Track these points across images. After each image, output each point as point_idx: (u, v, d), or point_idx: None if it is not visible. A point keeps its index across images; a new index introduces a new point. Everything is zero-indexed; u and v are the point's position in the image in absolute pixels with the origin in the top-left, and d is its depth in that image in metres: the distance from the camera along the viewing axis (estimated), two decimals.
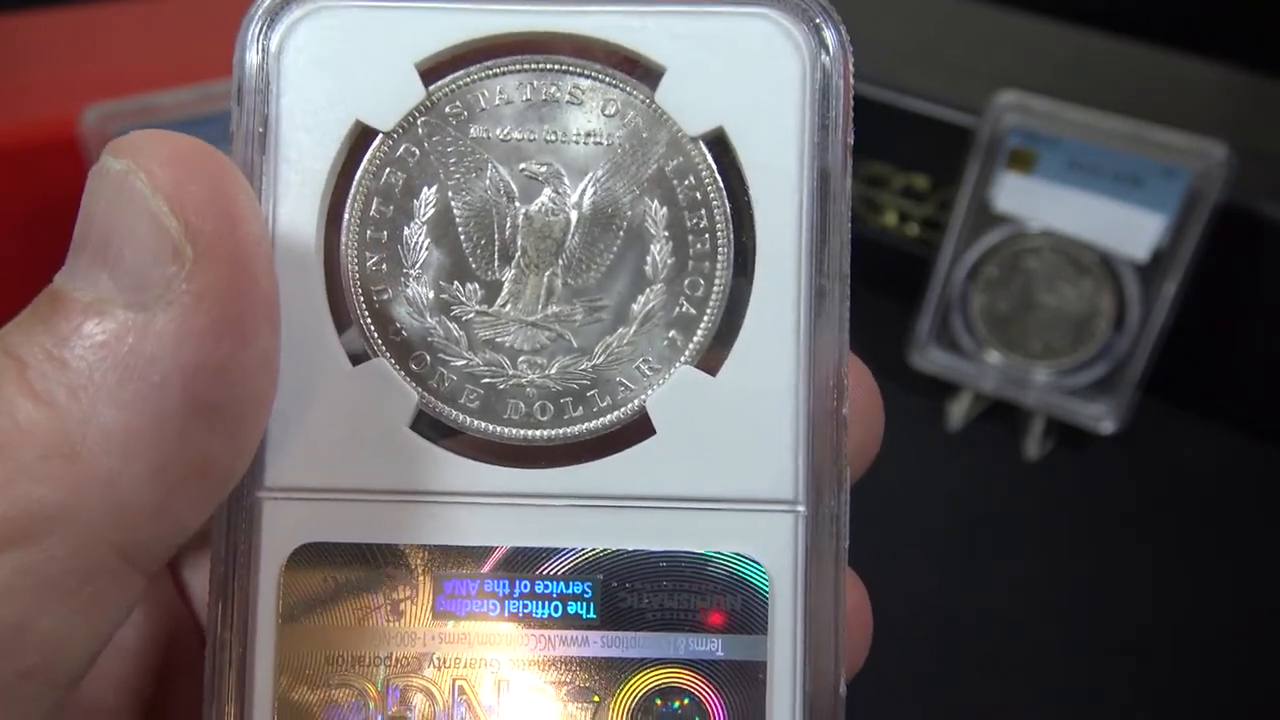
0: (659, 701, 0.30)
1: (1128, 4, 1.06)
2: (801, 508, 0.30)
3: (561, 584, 0.30)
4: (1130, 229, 0.84)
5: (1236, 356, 0.90)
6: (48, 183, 0.86)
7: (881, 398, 0.33)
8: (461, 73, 0.30)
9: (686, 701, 0.30)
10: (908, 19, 1.10)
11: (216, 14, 1.05)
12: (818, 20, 0.30)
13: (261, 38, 0.29)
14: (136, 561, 0.25)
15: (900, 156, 0.97)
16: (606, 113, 0.30)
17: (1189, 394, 0.91)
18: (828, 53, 0.30)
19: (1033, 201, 0.87)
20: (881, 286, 0.91)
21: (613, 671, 0.30)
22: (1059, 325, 0.87)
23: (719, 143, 0.30)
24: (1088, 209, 0.85)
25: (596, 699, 0.30)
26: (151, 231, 0.24)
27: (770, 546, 0.30)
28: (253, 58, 0.29)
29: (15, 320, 0.24)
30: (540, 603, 0.30)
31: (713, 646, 0.30)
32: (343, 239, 0.30)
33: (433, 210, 0.30)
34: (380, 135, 0.30)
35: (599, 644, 0.30)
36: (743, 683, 0.30)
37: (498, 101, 0.30)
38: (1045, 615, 0.77)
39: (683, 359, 0.30)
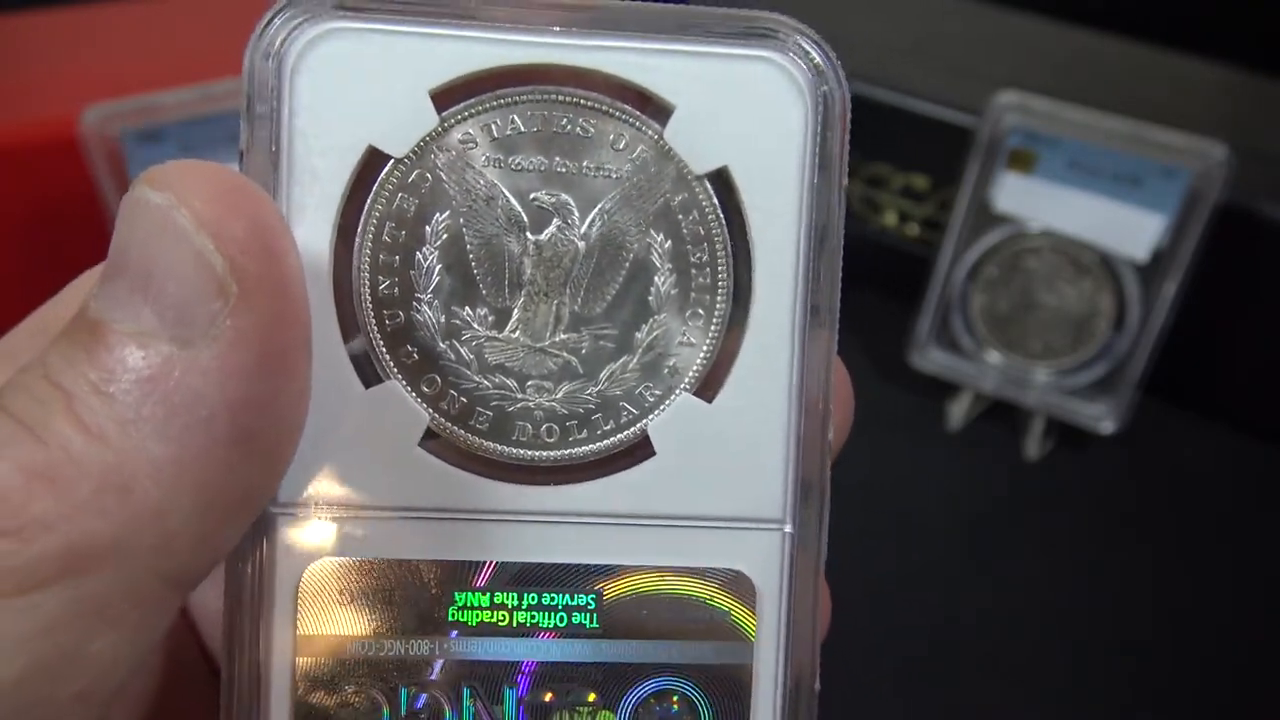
0: (654, 701, 0.31)
1: (1128, 4, 1.06)
2: (788, 527, 0.31)
3: (566, 596, 0.31)
4: (1130, 229, 0.84)
5: (1236, 356, 0.90)
6: (48, 183, 0.86)
7: (851, 381, 0.34)
8: (475, 100, 0.30)
9: (677, 699, 0.31)
10: (908, 19, 1.10)
11: (216, 14, 1.05)
12: (819, 62, 0.30)
13: (273, 57, 0.29)
14: (179, 586, 0.25)
15: (900, 156, 0.97)
16: (616, 147, 0.30)
17: (1189, 394, 0.92)
18: (827, 95, 0.30)
19: (1033, 201, 0.87)
20: (881, 286, 0.91)
21: (612, 675, 0.31)
22: (1059, 325, 0.87)
23: (722, 181, 0.31)
24: (1088, 209, 0.85)
25: (598, 701, 0.31)
26: (196, 267, 0.24)
27: (759, 562, 0.31)
28: (265, 76, 0.29)
29: (54, 344, 0.25)
30: (546, 613, 0.31)
31: (704, 653, 0.31)
32: (354, 263, 0.30)
33: (444, 236, 0.30)
34: (392, 160, 0.30)
35: (601, 651, 0.31)
36: (730, 684, 0.31)
37: (510, 131, 0.30)
38: (1045, 615, 0.78)
39: (683, 386, 0.31)
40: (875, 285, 0.91)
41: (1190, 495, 0.87)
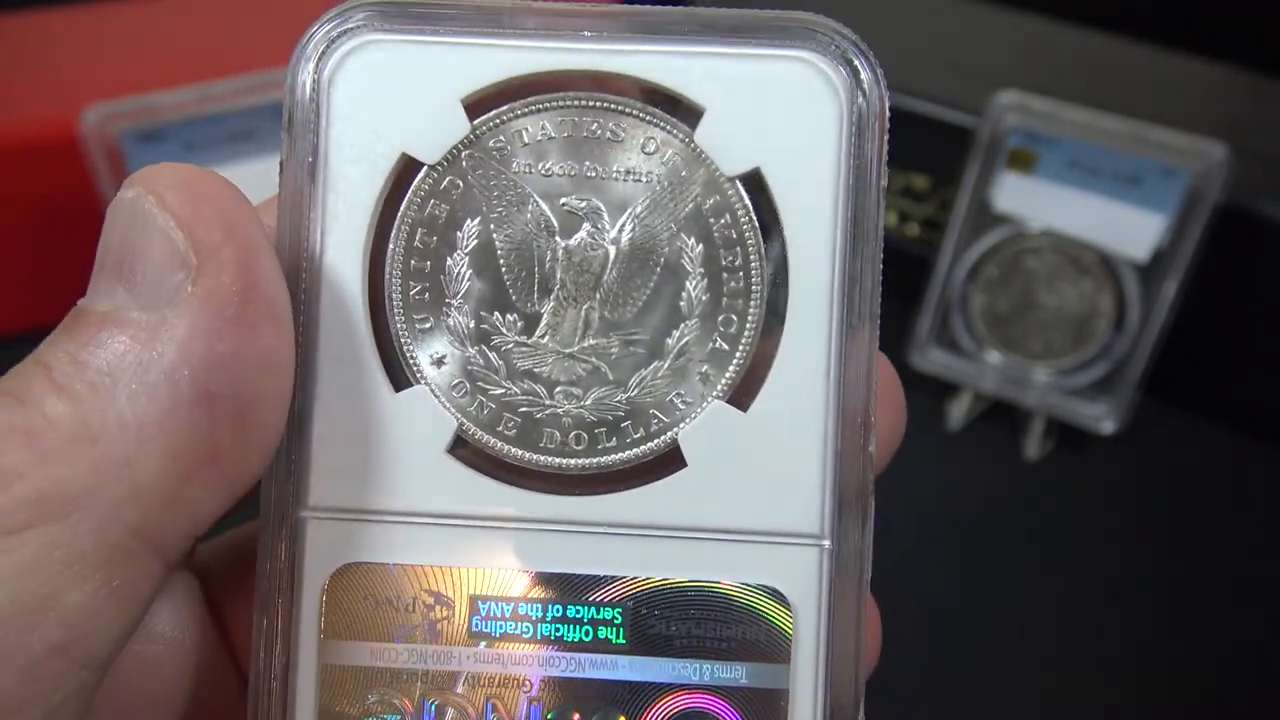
0: None
1: (1128, 4, 1.06)
2: (827, 542, 0.31)
3: (592, 609, 0.31)
4: (1130, 229, 0.84)
5: (1236, 356, 0.90)
6: (48, 183, 0.86)
7: (902, 387, 0.33)
8: (506, 108, 0.30)
9: None
10: (908, 19, 1.10)
11: (216, 14, 1.05)
12: (856, 63, 0.30)
13: (314, 70, 0.30)
14: (156, 546, 0.26)
15: (900, 156, 0.97)
16: (646, 150, 0.30)
17: (1189, 394, 0.92)
18: (864, 95, 0.30)
19: (1033, 201, 0.87)
20: (882, 286, 0.91)
21: (640, 694, 0.31)
22: (1059, 325, 0.87)
23: (755, 183, 0.31)
24: (1088, 209, 0.85)
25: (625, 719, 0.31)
26: (162, 245, 0.26)
27: (795, 579, 0.31)
28: (304, 88, 0.30)
29: (47, 339, 0.27)
30: (571, 626, 0.31)
31: (737, 674, 0.31)
32: (386, 268, 0.30)
33: (475, 242, 0.30)
34: (425, 168, 0.30)
35: (627, 668, 0.31)
36: (765, 709, 0.31)
37: (540, 137, 0.30)
38: (1045, 615, 0.78)
39: (715, 393, 0.31)
40: None
41: (1190, 495, 0.87)
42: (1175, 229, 0.83)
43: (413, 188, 0.30)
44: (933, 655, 0.74)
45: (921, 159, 0.96)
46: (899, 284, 0.90)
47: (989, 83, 0.89)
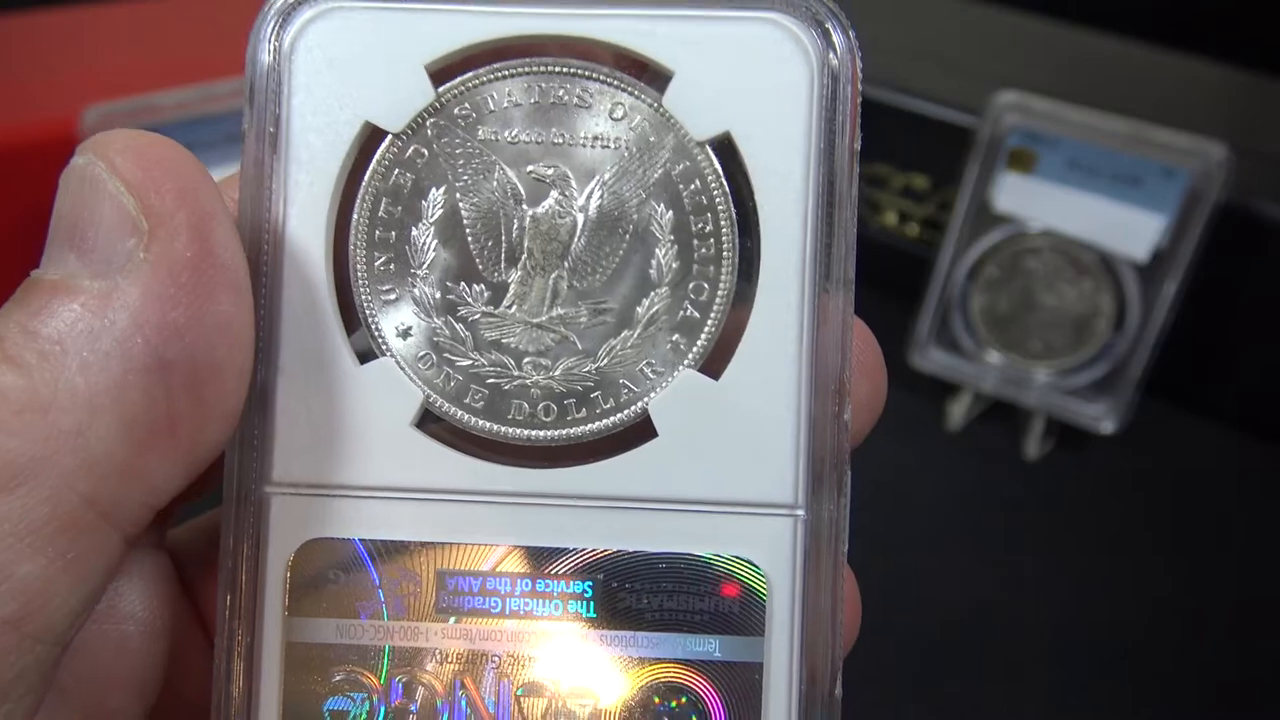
0: (657, 699, 0.30)
1: (1128, 4, 1.06)
2: (801, 512, 0.30)
3: (562, 583, 0.30)
4: (1130, 229, 0.84)
5: (1236, 356, 0.90)
6: (48, 183, 0.86)
7: (881, 354, 0.33)
8: (471, 75, 0.30)
9: (684, 700, 0.30)
10: (908, 19, 1.10)
11: (217, 14, 1.05)
12: (826, 24, 0.30)
13: (273, 38, 0.30)
14: (112, 518, 0.26)
15: (900, 156, 0.97)
16: (614, 116, 0.30)
17: (1189, 394, 0.91)
18: (836, 57, 0.30)
19: (1033, 201, 0.87)
20: (881, 286, 0.91)
21: (612, 669, 0.30)
22: (1059, 325, 0.87)
23: (725, 148, 0.30)
24: (1088, 209, 0.85)
25: (595, 696, 0.30)
26: (113, 211, 0.26)
27: (769, 550, 0.30)
28: (264, 57, 0.30)
29: None
30: (541, 601, 0.30)
31: (710, 647, 0.30)
32: (351, 238, 0.30)
33: (440, 211, 0.30)
34: (389, 136, 0.30)
35: (598, 642, 0.30)
36: (739, 683, 0.30)
37: (506, 104, 0.30)
38: (1045, 615, 0.77)
39: (686, 362, 0.30)
40: (875, 285, 0.91)
41: (1190, 495, 0.86)
42: (1175, 229, 0.82)
43: (377, 157, 0.30)
44: (933, 654, 0.74)
45: (921, 159, 0.96)
46: (899, 284, 0.91)
47: (989, 83, 0.89)
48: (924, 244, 0.96)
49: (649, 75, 0.30)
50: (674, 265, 0.30)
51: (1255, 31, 1.02)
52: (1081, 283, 0.86)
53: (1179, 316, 0.83)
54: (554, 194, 0.30)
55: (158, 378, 0.26)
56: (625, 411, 0.30)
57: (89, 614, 0.27)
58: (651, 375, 0.30)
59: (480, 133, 0.30)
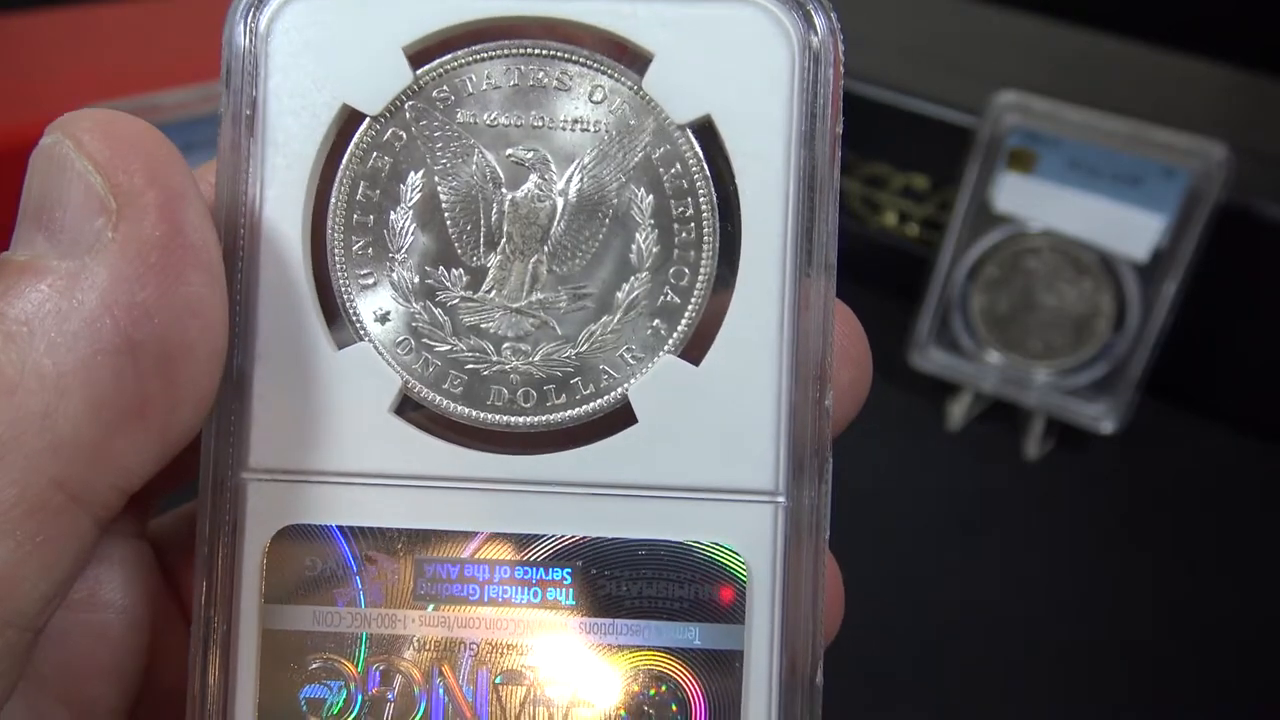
0: (636, 687, 0.30)
1: (1128, 4, 1.06)
2: (782, 499, 0.30)
3: (541, 570, 0.30)
4: (1130, 229, 0.84)
5: (1236, 356, 0.90)
6: None
7: (866, 340, 0.32)
8: (449, 57, 0.30)
9: (664, 688, 0.30)
10: (908, 19, 1.10)
11: (217, 14, 1.04)
12: (808, 6, 0.29)
13: (249, 20, 0.29)
14: (82, 501, 0.26)
15: (900, 156, 0.97)
16: (594, 99, 0.30)
17: (1189, 394, 0.91)
18: (817, 39, 0.29)
19: (1033, 201, 0.87)
20: (881, 286, 0.91)
21: (591, 657, 0.30)
22: (1059, 325, 0.87)
23: (706, 131, 0.30)
24: (1088, 209, 0.85)
25: (574, 684, 0.30)
26: (80, 190, 0.26)
27: (749, 537, 0.30)
28: (240, 40, 0.29)
29: None
30: (519, 588, 0.30)
31: (690, 635, 0.30)
32: (329, 223, 0.30)
33: (419, 195, 0.30)
34: (367, 119, 0.30)
35: (577, 630, 0.30)
36: (719, 671, 0.30)
37: (485, 86, 0.30)
38: (1044, 615, 0.77)
39: (666, 348, 0.30)
40: (875, 285, 0.91)
41: (1190, 495, 0.86)
42: (1175, 229, 0.82)
43: (355, 140, 0.30)
44: (932, 654, 0.74)
45: (921, 159, 0.96)
46: (899, 284, 0.90)
47: (989, 83, 0.89)
48: (924, 244, 0.96)
49: (629, 58, 0.30)
50: (654, 250, 0.30)
51: (1255, 31, 1.02)
52: (1081, 283, 0.86)
53: (1179, 316, 0.83)
54: (533, 177, 0.30)
55: (127, 359, 0.26)
56: (605, 397, 0.30)
57: (61, 599, 0.26)
58: (631, 361, 0.30)
59: (459, 115, 0.30)
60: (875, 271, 0.93)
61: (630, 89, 0.30)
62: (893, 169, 0.97)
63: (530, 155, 0.30)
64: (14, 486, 0.24)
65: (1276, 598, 0.78)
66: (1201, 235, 0.81)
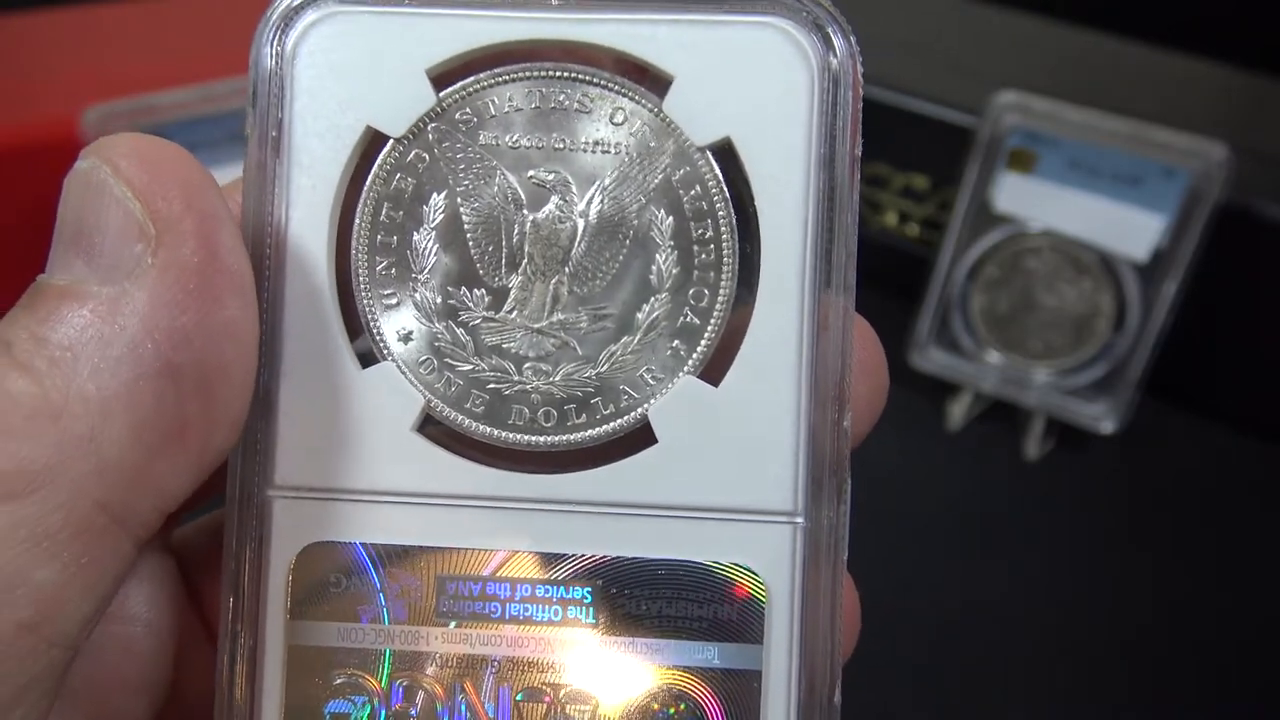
0: (655, 705, 0.30)
1: (1128, 4, 1.06)
2: (800, 519, 0.30)
3: (561, 589, 0.30)
4: (1130, 229, 0.84)
5: (1236, 356, 0.90)
6: (48, 183, 0.86)
7: (883, 351, 0.33)
8: (472, 79, 0.30)
9: (683, 706, 0.30)
10: (908, 19, 1.10)
11: (217, 14, 1.05)
12: (827, 29, 0.30)
13: (276, 42, 0.30)
14: (124, 523, 0.26)
15: (900, 156, 0.97)
16: (614, 121, 0.30)
17: (1189, 394, 0.91)
18: (836, 61, 0.30)
19: (1033, 201, 0.87)
20: (881, 286, 0.91)
21: (611, 675, 0.30)
22: (1059, 325, 0.87)
23: (726, 153, 0.30)
24: (1088, 209, 0.85)
25: (594, 701, 0.30)
26: (119, 216, 0.26)
27: (768, 557, 0.30)
28: (267, 62, 0.30)
29: (5, 316, 0.27)
30: (540, 606, 0.30)
31: (709, 654, 0.30)
32: (353, 243, 0.30)
33: (442, 216, 0.30)
34: (391, 141, 0.30)
35: (598, 648, 0.30)
36: (738, 690, 0.30)
37: (507, 109, 0.30)
38: (1044, 615, 0.77)
39: (686, 369, 0.30)
40: (875, 285, 0.91)
41: (1190, 495, 0.86)
42: (1175, 229, 0.82)
43: (379, 161, 0.30)
44: (933, 655, 0.74)
45: (921, 159, 0.96)
46: (899, 284, 0.91)
47: (989, 83, 0.89)
48: (924, 244, 0.96)
49: (649, 80, 0.30)
50: (674, 271, 0.30)
51: (1255, 31, 1.02)
52: (1081, 283, 0.86)
53: (1179, 316, 0.83)
54: (554, 199, 0.30)
55: (168, 382, 0.26)
56: (625, 417, 0.30)
57: (99, 617, 0.27)
58: (651, 381, 0.30)
59: (481, 137, 0.30)
60: (875, 271, 0.93)
61: (650, 111, 0.30)
62: (893, 169, 0.98)
63: (551, 177, 0.30)
64: (61, 510, 0.25)
65: (1276, 598, 0.78)
66: (1201, 235, 0.81)
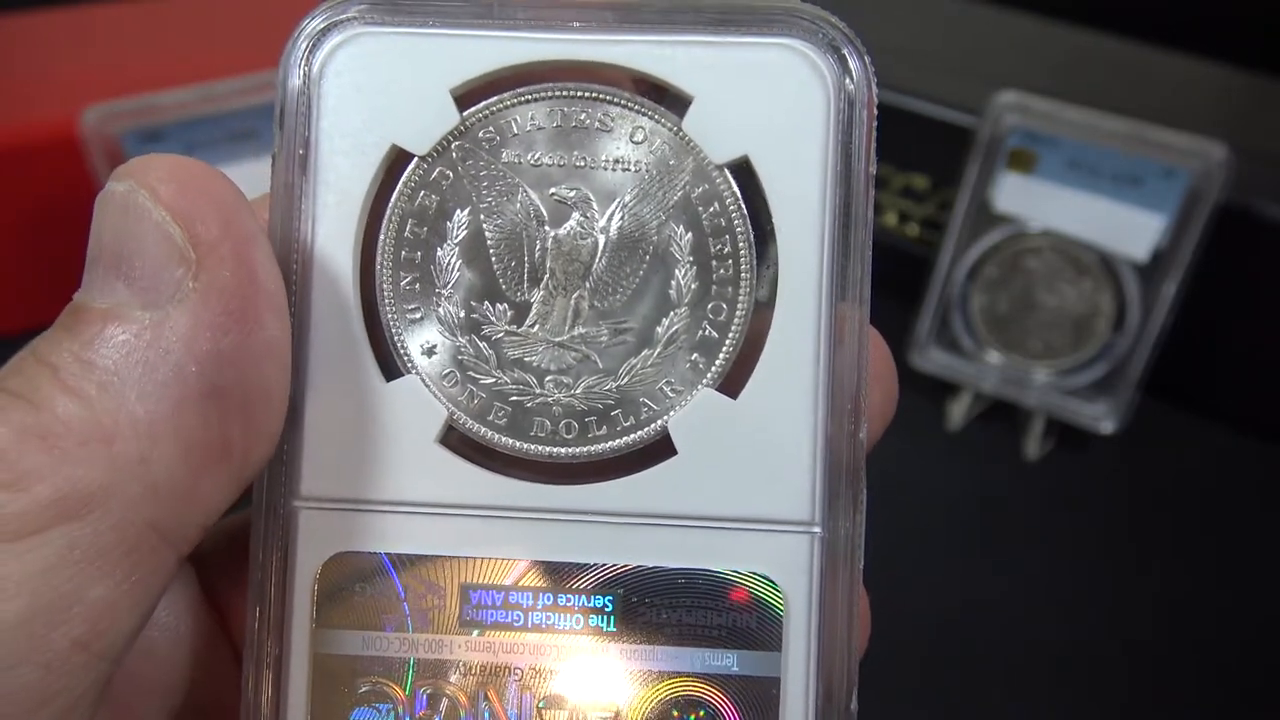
0: (676, 713, 0.31)
1: (1128, 4, 1.06)
2: (818, 529, 0.31)
3: (583, 597, 0.31)
4: (1130, 229, 0.84)
5: (1236, 356, 0.90)
6: (48, 183, 0.86)
7: (893, 359, 0.33)
8: (495, 99, 0.31)
9: (702, 713, 0.31)
10: (908, 19, 1.10)
11: (217, 14, 1.05)
12: (843, 50, 0.30)
13: (303, 62, 0.30)
14: (171, 540, 0.27)
15: (900, 156, 0.97)
16: (635, 140, 0.30)
17: (1189, 394, 0.92)
18: (852, 82, 0.30)
19: (1033, 201, 0.87)
20: (881, 286, 0.91)
21: (631, 683, 0.31)
22: (1059, 325, 0.87)
23: (744, 171, 0.31)
24: (1088, 209, 0.85)
25: (615, 708, 0.31)
26: (159, 240, 0.27)
27: (786, 566, 0.31)
28: (295, 81, 0.30)
29: (43, 334, 0.27)
30: (562, 615, 0.31)
31: (728, 662, 0.31)
32: (378, 259, 0.31)
33: (465, 232, 0.31)
34: (415, 159, 0.31)
35: (618, 656, 0.31)
36: (757, 697, 0.30)
37: (529, 127, 0.31)
38: (1045, 615, 0.77)
39: (705, 381, 0.31)
40: (875, 285, 0.91)
41: (1190, 495, 0.87)
42: (1175, 229, 0.83)
43: (403, 179, 0.31)
44: (933, 655, 0.74)
45: (921, 159, 0.96)
46: (899, 284, 0.91)
47: (989, 83, 0.89)
48: (924, 244, 0.97)
49: (669, 100, 0.31)
50: (693, 286, 0.31)
51: (1255, 31, 1.02)
52: (1081, 283, 0.86)
53: (1179, 316, 0.83)
54: (576, 215, 0.31)
55: (212, 404, 0.27)
56: (645, 429, 0.31)
57: (141, 630, 0.27)
58: (671, 394, 0.31)
59: (504, 155, 0.31)
60: (875, 272, 0.93)
61: (670, 130, 0.30)
62: (893, 169, 0.98)
63: (573, 194, 0.31)
64: (114, 531, 0.25)
65: (1276, 598, 0.78)
66: (1201, 235, 0.81)
